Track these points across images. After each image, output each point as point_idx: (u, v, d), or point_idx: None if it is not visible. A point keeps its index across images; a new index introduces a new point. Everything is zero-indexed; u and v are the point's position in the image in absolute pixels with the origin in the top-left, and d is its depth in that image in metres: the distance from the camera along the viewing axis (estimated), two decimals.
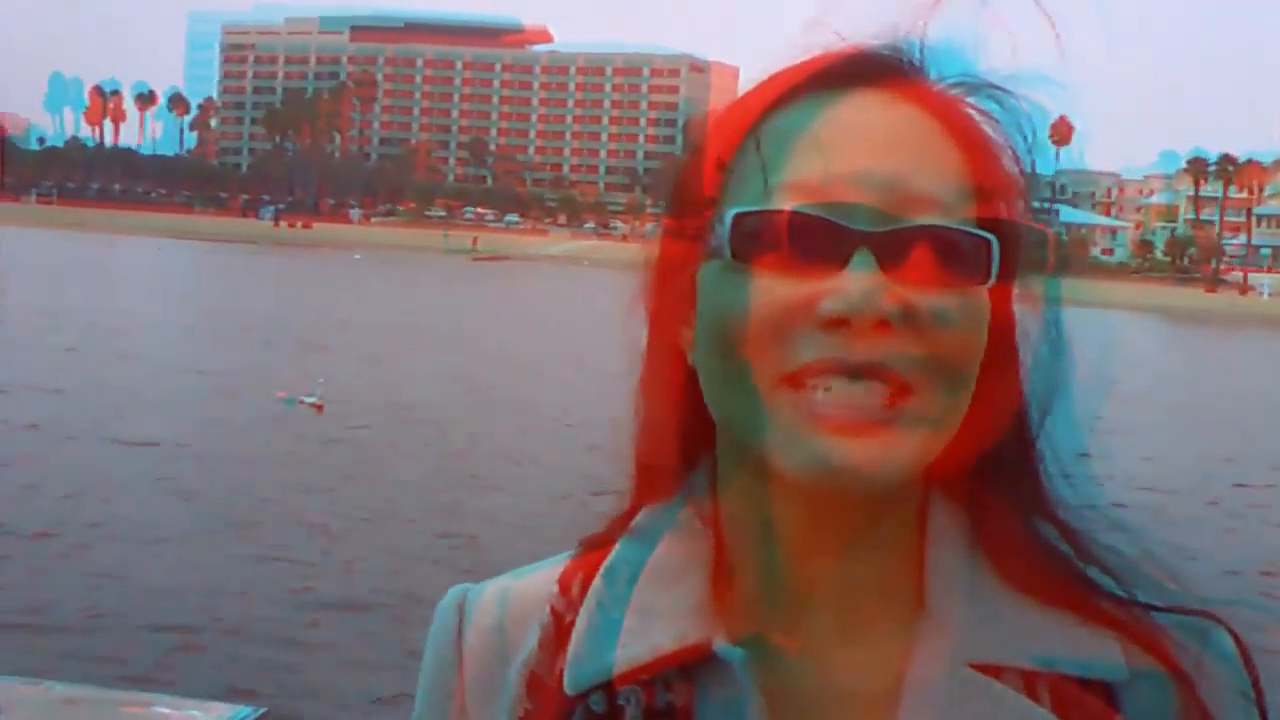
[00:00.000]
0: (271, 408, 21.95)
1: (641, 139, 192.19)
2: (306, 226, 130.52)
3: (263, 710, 3.25)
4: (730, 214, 0.80)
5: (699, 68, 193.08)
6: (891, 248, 0.77)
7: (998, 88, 0.85)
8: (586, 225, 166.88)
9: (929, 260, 0.77)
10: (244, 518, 14.32)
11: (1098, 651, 0.84)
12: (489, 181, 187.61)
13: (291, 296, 49.65)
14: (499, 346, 35.38)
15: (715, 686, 0.83)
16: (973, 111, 0.84)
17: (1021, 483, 0.88)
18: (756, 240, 0.79)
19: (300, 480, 16.54)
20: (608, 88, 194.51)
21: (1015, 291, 0.82)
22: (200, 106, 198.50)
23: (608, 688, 0.85)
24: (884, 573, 0.86)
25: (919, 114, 0.81)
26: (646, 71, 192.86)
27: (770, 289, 0.78)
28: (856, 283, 0.76)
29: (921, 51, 0.85)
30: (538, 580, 0.93)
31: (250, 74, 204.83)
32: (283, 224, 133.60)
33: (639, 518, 0.91)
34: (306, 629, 10.75)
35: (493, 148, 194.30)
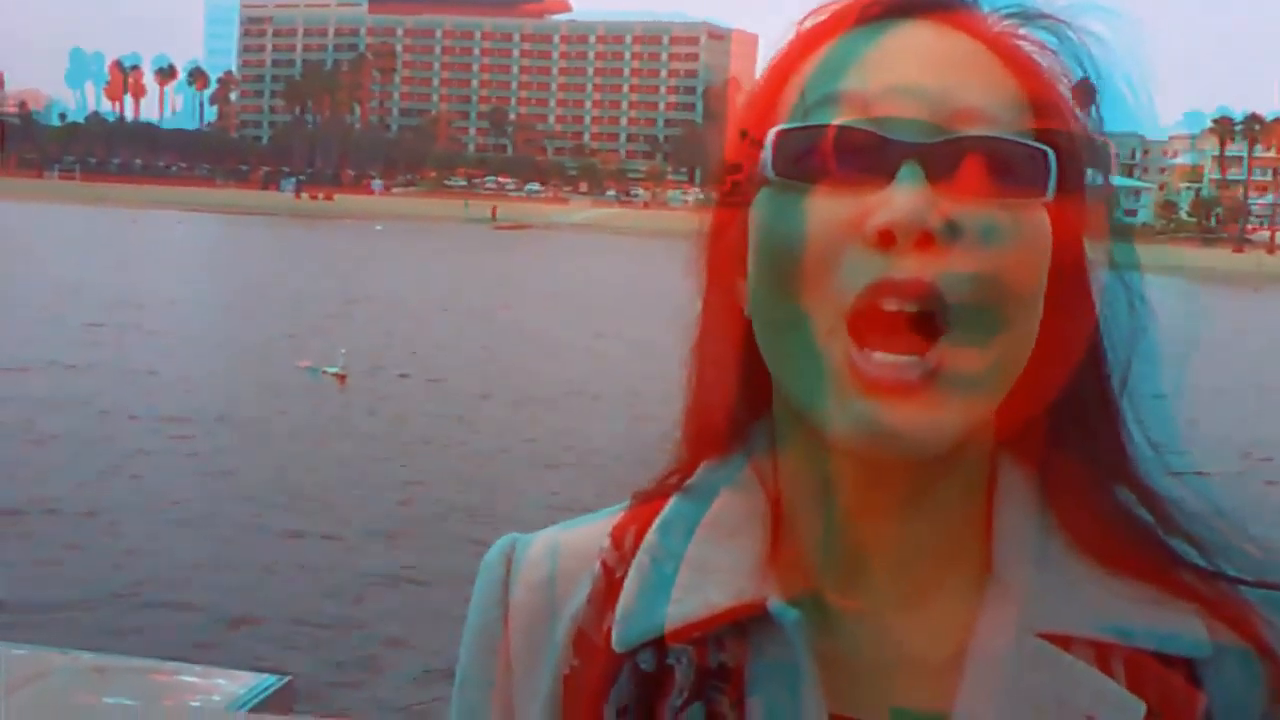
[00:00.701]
0: (298, 379, 21.94)
1: (661, 106, 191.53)
2: (328, 198, 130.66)
3: (287, 679, 3.23)
4: (773, 132, 0.78)
5: (718, 35, 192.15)
6: (941, 160, 0.74)
7: (1052, 18, 0.82)
8: (608, 193, 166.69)
9: (979, 173, 0.74)
10: (277, 493, 14.29)
11: (1178, 625, 0.80)
12: (509, 150, 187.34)
13: (314, 269, 49.64)
14: (521, 317, 35.30)
15: (769, 646, 0.80)
16: (1026, 42, 0.81)
17: (1099, 442, 0.83)
18: (800, 158, 0.76)
19: (334, 454, 16.51)
20: (627, 55, 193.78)
21: (1082, 219, 0.78)
22: (220, 80, 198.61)
23: (658, 645, 0.82)
24: (947, 535, 0.82)
25: (969, 39, 0.79)
26: (666, 39, 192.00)
27: (815, 207, 0.75)
28: (902, 196, 0.73)
29: None
30: (589, 533, 0.90)
31: (269, 47, 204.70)
32: (304, 196, 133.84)
33: (696, 474, 0.88)
34: (353, 604, 10.70)
35: (513, 117, 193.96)
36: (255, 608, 10.44)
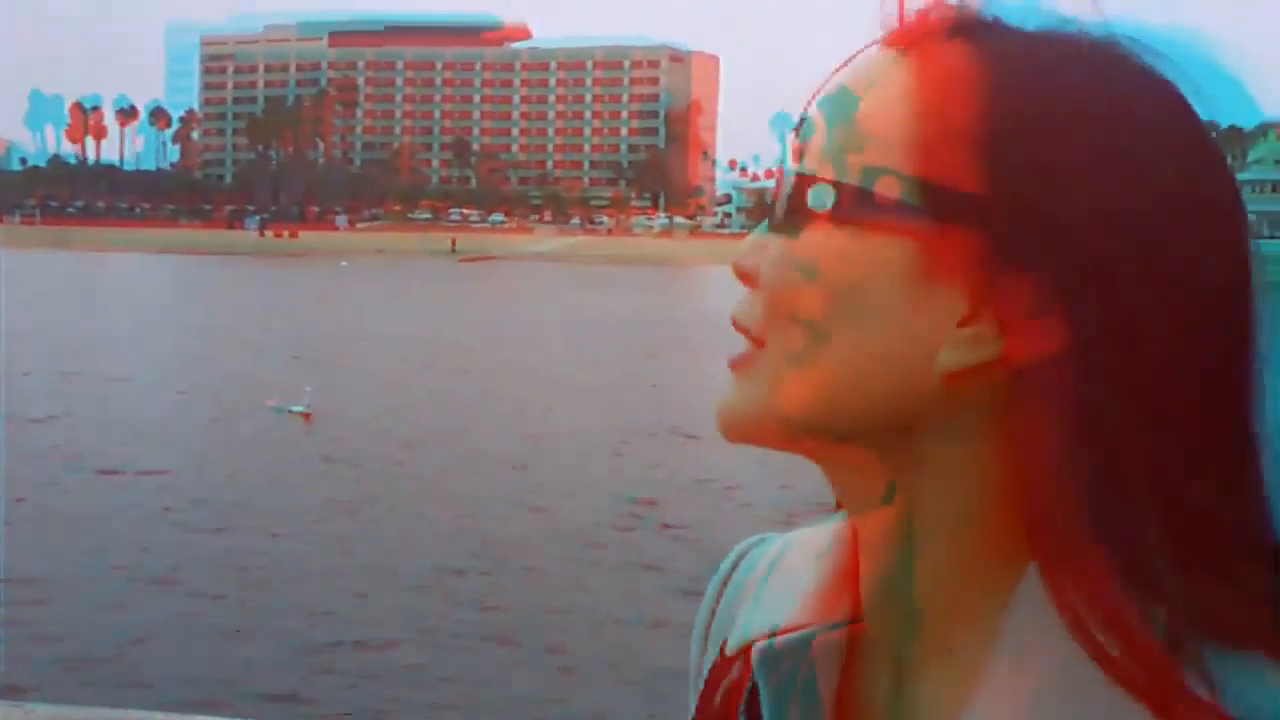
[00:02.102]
0: (266, 420, 22.03)
1: (624, 131, 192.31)
2: (293, 235, 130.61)
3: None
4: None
5: (679, 58, 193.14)
6: (782, 200, 0.77)
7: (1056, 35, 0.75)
8: (572, 221, 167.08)
9: (789, 208, 0.76)
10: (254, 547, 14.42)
11: None
12: (473, 182, 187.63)
13: (279, 307, 49.73)
14: (485, 351, 35.56)
15: (804, 670, 0.83)
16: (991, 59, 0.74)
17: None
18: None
19: (306, 501, 16.69)
20: (589, 82, 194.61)
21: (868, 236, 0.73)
22: (182, 119, 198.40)
23: (745, 654, 0.86)
24: (953, 596, 0.78)
25: (895, 62, 0.76)
26: (627, 64, 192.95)
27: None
28: (750, 238, 0.79)
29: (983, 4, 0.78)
30: (804, 537, 0.93)
31: (230, 84, 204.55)
32: (268, 233, 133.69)
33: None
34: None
35: (476, 147, 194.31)
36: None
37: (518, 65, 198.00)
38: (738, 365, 0.78)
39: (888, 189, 0.73)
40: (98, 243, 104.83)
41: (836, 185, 0.74)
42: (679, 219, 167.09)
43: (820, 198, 0.75)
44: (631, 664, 10.51)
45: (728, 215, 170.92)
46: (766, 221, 0.78)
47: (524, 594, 12.74)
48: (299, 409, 22.10)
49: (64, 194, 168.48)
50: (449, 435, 21.92)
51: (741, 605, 0.91)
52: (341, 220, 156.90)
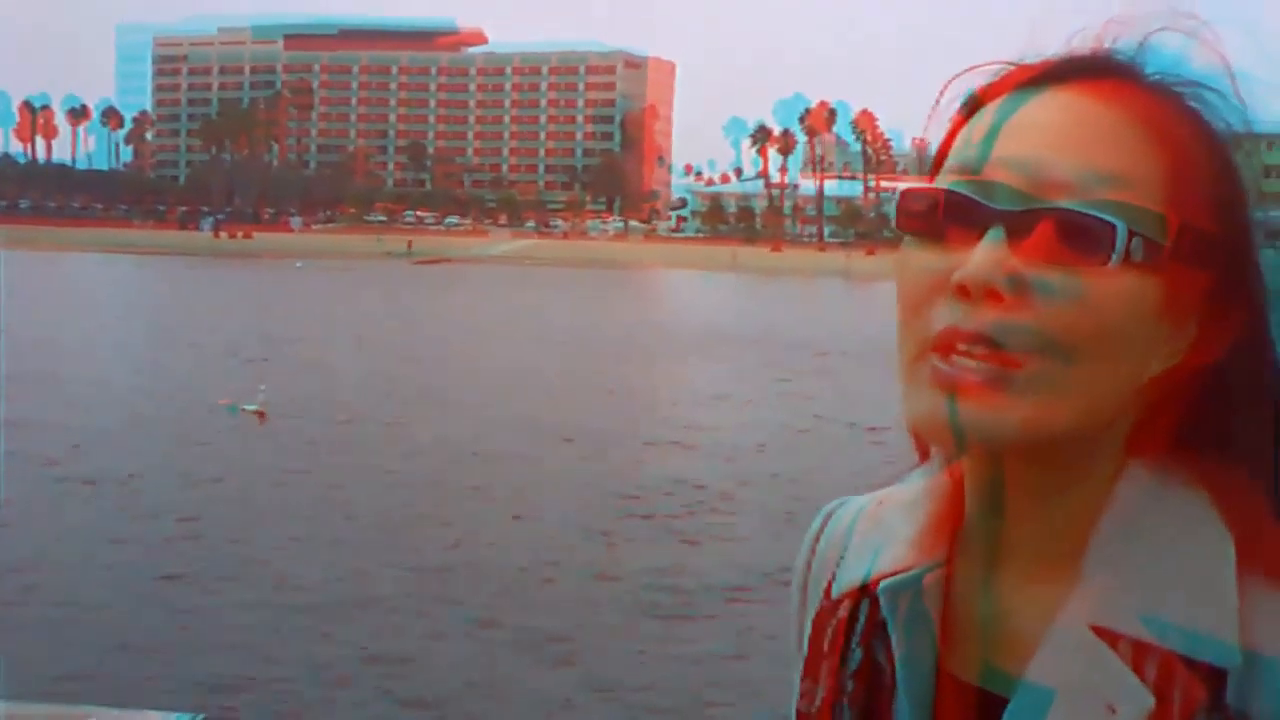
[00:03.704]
0: (225, 419, 22.40)
1: (579, 136, 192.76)
2: (247, 236, 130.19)
3: (200, 717, 3.76)
4: (900, 190, 0.90)
5: (635, 64, 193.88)
6: (1022, 226, 0.84)
7: (1205, 86, 0.89)
8: (528, 224, 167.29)
9: (1050, 239, 0.83)
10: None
11: (1212, 632, 0.86)
12: (428, 185, 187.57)
13: (233, 307, 50.00)
14: (438, 348, 36.10)
15: (911, 606, 0.96)
16: (1176, 107, 0.88)
17: (1248, 454, 0.89)
18: (916, 216, 0.89)
19: (273, 502, 17.20)
20: (544, 86, 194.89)
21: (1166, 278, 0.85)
22: (135, 119, 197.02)
23: (854, 597, 1.00)
24: (1062, 529, 0.91)
25: (1100, 106, 0.87)
26: (583, 69, 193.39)
27: (922, 259, 0.88)
28: (981, 255, 0.84)
29: (1140, 51, 0.90)
30: (887, 497, 1.05)
31: (184, 85, 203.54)
32: (223, 234, 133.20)
33: (918, 469, 1.03)
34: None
35: (431, 151, 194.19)
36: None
37: (473, 70, 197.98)
38: (989, 384, 0.84)
39: (1155, 234, 0.84)
40: (51, 242, 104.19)
41: (1122, 229, 0.83)
42: (634, 223, 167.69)
43: (1100, 238, 0.83)
44: None
45: (682, 219, 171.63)
46: (995, 234, 0.85)
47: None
48: (253, 407, 22.50)
49: (14, 193, 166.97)
50: (401, 430, 22.46)
51: (834, 557, 1.04)
52: (297, 222, 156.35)
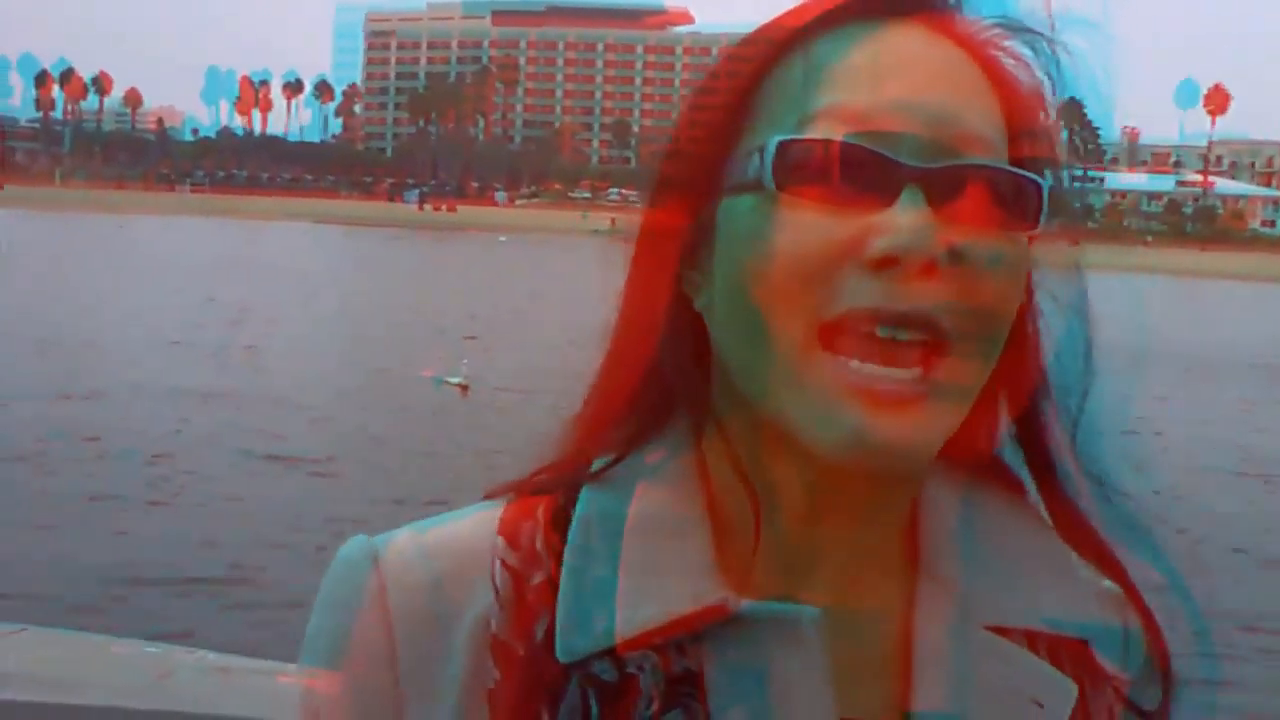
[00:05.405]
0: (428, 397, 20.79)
1: None
2: (451, 210, 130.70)
3: None
4: (774, 141, 0.75)
5: None
6: (942, 186, 0.73)
7: (1034, 32, 0.81)
8: None
9: (982, 202, 0.73)
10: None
11: (1096, 612, 0.84)
12: (633, 163, 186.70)
13: (438, 280, 48.80)
14: None
15: (729, 649, 0.78)
16: (1006, 55, 0.80)
17: (1031, 450, 0.85)
18: (801, 171, 0.74)
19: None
20: None
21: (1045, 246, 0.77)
22: (345, 93, 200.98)
23: (612, 653, 0.77)
24: (892, 537, 0.83)
25: (959, 51, 0.77)
26: None
27: (815, 224, 0.73)
28: (908, 220, 0.72)
29: None
30: (460, 531, 0.83)
31: (393, 60, 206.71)
32: (428, 207, 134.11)
33: (607, 468, 0.83)
34: None
35: (636, 129, 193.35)
36: None
37: (679, 49, 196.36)
38: (914, 392, 0.73)
39: (1048, 195, 0.76)
40: (261, 212, 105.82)
41: (1046, 190, 0.75)
42: None
43: (1027, 201, 0.74)
44: None
45: None
46: (913, 196, 0.72)
47: None
48: (456, 380, 21.32)
49: (232, 164, 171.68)
50: None
51: (509, 606, 0.80)
52: (501, 196, 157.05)
